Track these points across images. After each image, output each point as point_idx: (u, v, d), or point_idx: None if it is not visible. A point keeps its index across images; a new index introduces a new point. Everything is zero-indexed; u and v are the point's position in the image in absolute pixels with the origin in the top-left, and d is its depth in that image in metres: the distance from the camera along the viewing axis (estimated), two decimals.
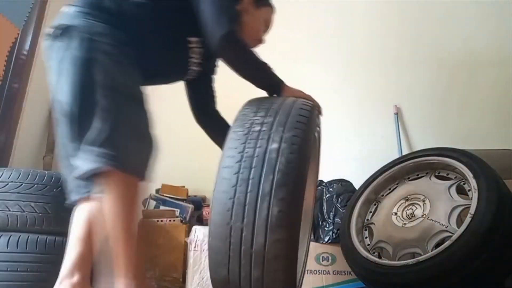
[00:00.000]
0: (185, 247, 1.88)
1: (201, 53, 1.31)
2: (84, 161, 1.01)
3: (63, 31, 1.11)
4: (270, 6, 1.44)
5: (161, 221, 1.97)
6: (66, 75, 1.06)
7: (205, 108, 1.53)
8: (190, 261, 1.74)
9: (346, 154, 2.45)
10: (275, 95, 1.20)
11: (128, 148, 1.04)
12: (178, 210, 2.14)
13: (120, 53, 1.11)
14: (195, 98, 1.52)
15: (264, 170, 0.85)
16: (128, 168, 1.03)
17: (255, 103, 1.06)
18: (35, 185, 1.65)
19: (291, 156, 0.86)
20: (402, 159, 1.60)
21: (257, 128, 0.93)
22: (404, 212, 1.41)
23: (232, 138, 0.94)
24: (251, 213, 0.82)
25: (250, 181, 0.85)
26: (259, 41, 1.39)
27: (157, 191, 2.31)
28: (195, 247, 1.76)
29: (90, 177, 1.04)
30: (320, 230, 1.77)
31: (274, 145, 0.88)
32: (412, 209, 1.39)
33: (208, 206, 2.12)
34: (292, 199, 0.84)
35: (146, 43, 1.21)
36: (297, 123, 0.92)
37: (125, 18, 1.17)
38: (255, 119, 0.96)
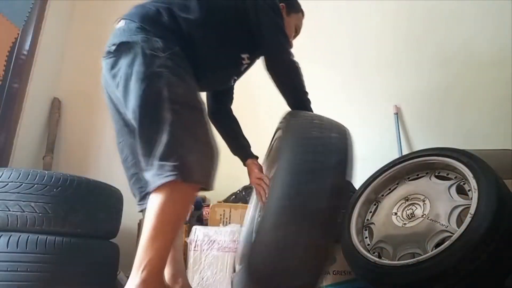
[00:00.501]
0: (185, 247, 1.87)
1: (247, 67, 1.45)
2: (155, 176, 1.02)
3: (125, 48, 1.14)
4: (300, 12, 1.51)
5: None
6: (134, 92, 1.09)
7: (223, 107, 1.65)
8: (190, 261, 1.74)
9: None
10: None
11: (194, 159, 1.06)
12: None
13: (179, 67, 1.16)
14: (216, 97, 1.63)
15: None
16: (194, 179, 1.05)
17: None
18: (35, 185, 1.65)
19: None
20: (402, 159, 1.59)
21: None
22: (404, 212, 1.41)
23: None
24: None
25: None
26: (290, 46, 1.46)
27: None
28: (195, 247, 1.76)
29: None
30: None
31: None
32: (412, 209, 1.39)
33: (208, 206, 2.12)
34: None
35: (200, 58, 1.27)
36: None
37: (182, 34, 1.23)
38: None
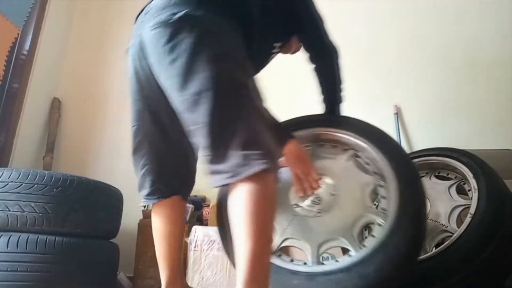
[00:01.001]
0: (185, 247, 1.87)
1: (273, 56, 1.38)
2: (239, 167, 0.88)
3: (191, 21, 1.00)
4: None
5: None
6: (202, 72, 0.95)
7: None
8: (190, 261, 1.74)
9: None
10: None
11: (274, 147, 0.97)
12: None
13: (244, 48, 1.07)
14: None
15: None
16: (276, 167, 0.95)
17: None
18: (35, 185, 1.65)
19: None
20: None
21: None
22: None
23: None
24: None
25: None
26: None
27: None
28: (195, 247, 1.76)
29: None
30: None
31: None
32: None
33: (208, 206, 2.12)
34: None
35: (252, 41, 1.15)
36: None
37: (244, 12, 1.13)
38: None
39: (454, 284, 1.11)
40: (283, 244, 1.19)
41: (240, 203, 0.87)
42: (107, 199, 1.91)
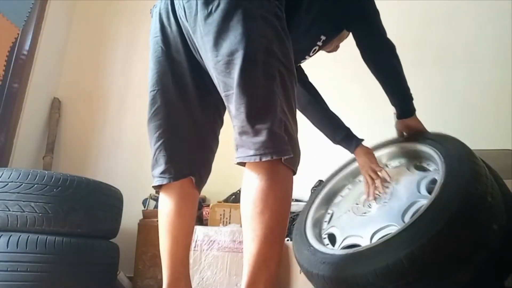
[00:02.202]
0: None
1: (316, 50, 1.33)
2: (264, 147, 0.82)
3: None
4: None
5: None
6: (240, 30, 0.87)
7: None
8: (190, 261, 1.74)
9: (346, 154, 2.45)
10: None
11: (296, 136, 0.91)
12: None
13: (284, 22, 0.98)
14: None
15: None
16: (298, 162, 0.90)
17: None
18: (35, 185, 1.65)
19: None
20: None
21: None
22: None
23: None
24: None
25: None
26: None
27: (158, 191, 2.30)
28: (195, 247, 1.76)
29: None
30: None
31: None
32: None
33: (208, 206, 2.12)
34: None
35: (292, 25, 1.07)
36: None
37: None
38: None
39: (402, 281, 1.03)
40: (344, 243, 1.25)
41: (254, 197, 0.82)
42: (107, 199, 1.91)
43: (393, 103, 1.41)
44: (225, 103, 0.93)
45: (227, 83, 0.89)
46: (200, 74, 1.04)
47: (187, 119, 1.08)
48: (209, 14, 0.90)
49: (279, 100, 0.86)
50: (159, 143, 1.06)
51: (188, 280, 1.09)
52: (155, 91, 1.06)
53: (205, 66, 0.98)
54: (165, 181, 1.06)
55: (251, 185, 0.84)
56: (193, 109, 1.08)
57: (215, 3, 0.90)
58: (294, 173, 0.89)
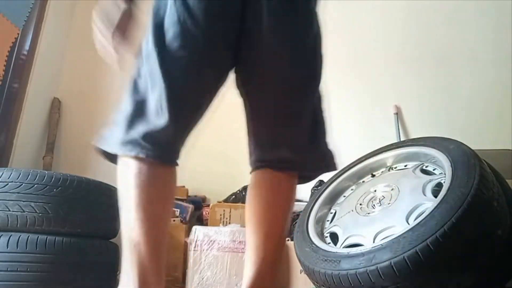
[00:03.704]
0: (185, 247, 1.87)
1: None
2: (323, 165, 0.92)
3: None
4: None
5: None
6: (320, 51, 0.96)
7: None
8: (190, 261, 1.74)
9: (346, 154, 2.45)
10: None
11: None
12: (178, 210, 2.14)
13: None
14: None
15: None
16: None
17: None
18: (35, 185, 1.65)
19: None
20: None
21: None
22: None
23: None
24: None
25: None
26: None
27: None
28: (195, 247, 1.76)
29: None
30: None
31: None
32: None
33: (208, 206, 2.12)
34: None
35: None
36: None
37: None
38: None
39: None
40: (346, 242, 1.25)
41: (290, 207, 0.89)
42: (107, 199, 1.91)
43: None
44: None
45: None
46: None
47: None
48: (309, 25, 0.98)
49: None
50: (186, 120, 0.98)
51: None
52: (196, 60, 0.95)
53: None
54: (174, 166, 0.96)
55: (288, 195, 0.92)
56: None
57: (315, 23, 1.00)
58: None
